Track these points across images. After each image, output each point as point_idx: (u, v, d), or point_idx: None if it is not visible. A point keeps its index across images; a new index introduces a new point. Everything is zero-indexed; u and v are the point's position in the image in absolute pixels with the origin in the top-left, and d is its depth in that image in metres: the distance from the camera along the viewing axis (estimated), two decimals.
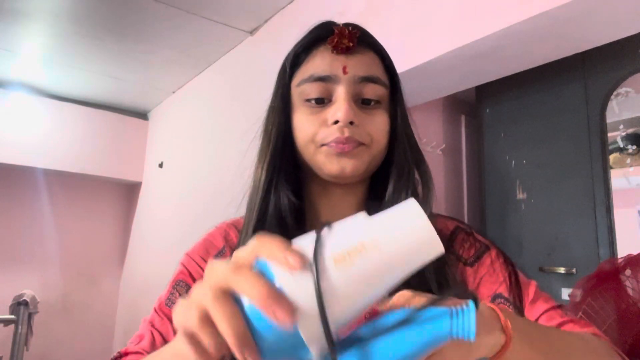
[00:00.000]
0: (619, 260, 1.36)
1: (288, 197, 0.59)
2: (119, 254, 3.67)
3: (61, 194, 3.49)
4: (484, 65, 1.51)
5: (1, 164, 3.03)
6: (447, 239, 0.63)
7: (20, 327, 2.65)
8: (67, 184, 3.50)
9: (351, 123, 0.56)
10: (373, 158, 0.59)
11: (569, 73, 2.09)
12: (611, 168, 1.96)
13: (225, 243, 0.64)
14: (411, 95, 1.74)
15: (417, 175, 0.62)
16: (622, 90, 1.98)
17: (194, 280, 0.61)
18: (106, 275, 3.62)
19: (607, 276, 1.32)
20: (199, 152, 2.74)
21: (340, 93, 0.57)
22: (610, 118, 1.99)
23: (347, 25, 0.60)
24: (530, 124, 2.23)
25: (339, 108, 0.56)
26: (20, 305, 2.69)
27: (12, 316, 2.68)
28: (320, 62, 0.59)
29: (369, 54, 0.60)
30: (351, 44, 0.58)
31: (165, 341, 0.56)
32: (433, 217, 0.64)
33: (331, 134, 0.57)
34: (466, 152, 2.81)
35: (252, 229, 0.58)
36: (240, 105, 2.32)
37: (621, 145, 1.98)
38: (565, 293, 1.97)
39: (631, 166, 1.95)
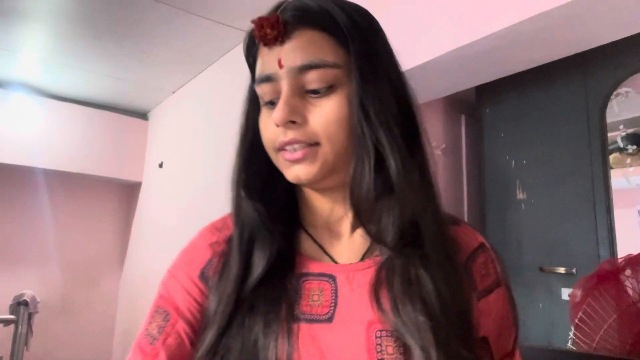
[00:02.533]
0: (619, 260, 1.36)
1: (253, 204, 0.55)
2: (119, 254, 3.67)
3: (61, 194, 3.49)
4: (484, 65, 1.51)
5: (1, 164, 3.03)
6: (468, 256, 0.56)
7: (20, 327, 2.65)
8: (67, 184, 3.50)
9: (293, 122, 0.50)
10: (333, 156, 0.50)
11: (569, 73, 2.09)
12: (611, 168, 1.96)
13: (212, 252, 0.58)
14: None
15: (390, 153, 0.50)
16: (622, 90, 1.98)
17: (174, 305, 0.55)
18: (106, 275, 3.62)
19: (607, 276, 1.32)
20: (199, 152, 2.74)
21: (283, 91, 0.50)
22: (610, 118, 1.99)
23: (272, 10, 0.53)
24: (530, 124, 2.23)
25: (277, 109, 0.50)
26: (20, 305, 2.69)
27: (12, 316, 2.68)
28: (260, 61, 0.53)
29: (307, 35, 0.50)
30: (276, 32, 0.50)
31: None
32: (455, 224, 0.59)
33: (277, 138, 0.51)
34: (466, 152, 2.81)
35: (240, 233, 0.55)
36: (240, 105, 2.32)
37: (621, 145, 1.98)
38: (565, 293, 1.97)
39: (631, 166, 1.95)
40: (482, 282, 0.56)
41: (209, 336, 0.50)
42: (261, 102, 0.55)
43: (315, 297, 0.52)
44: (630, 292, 1.27)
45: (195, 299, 0.55)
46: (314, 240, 0.57)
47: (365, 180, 0.50)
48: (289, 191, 0.59)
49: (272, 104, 0.52)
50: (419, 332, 0.46)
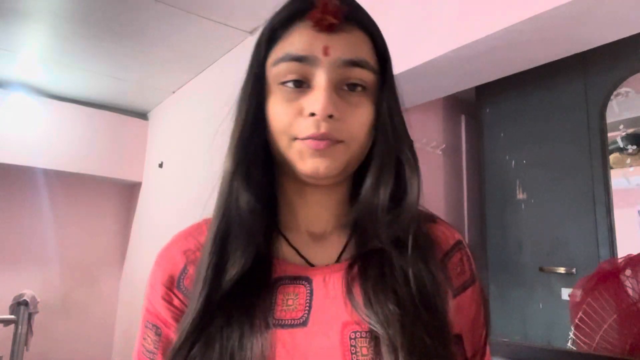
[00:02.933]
0: (619, 260, 1.36)
1: (248, 198, 0.52)
2: (119, 254, 3.67)
3: (61, 194, 3.49)
4: (484, 65, 1.51)
5: (1, 164, 3.03)
6: (445, 253, 0.57)
7: (20, 327, 2.65)
8: (67, 184, 3.50)
9: (330, 117, 0.49)
10: (351, 157, 0.52)
11: (569, 73, 2.09)
12: (611, 168, 1.96)
13: (186, 260, 0.57)
14: (411, 95, 1.75)
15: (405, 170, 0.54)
16: (622, 90, 1.98)
17: (161, 318, 0.56)
18: (106, 275, 3.62)
19: (607, 276, 1.32)
20: (199, 152, 2.75)
21: (320, 79, 0.49)
22: (610, 118, 1.99)
23: None
24: (530, 124, 2.24)
25: (317, 98, 0.48)
26: (20, 305, 2.69)
27: (12, 316, 2.68)
28: (298, 40, 0.50)
29: (356, 33, 0.52)
30: (335, 21, 0.49)
31: None
32: (433, 222, 0.59)
33: (306, 127, 0.49)
34: (466, 152, 2.81)
35: (217, 233, 0.53)
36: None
37: (621, 145, 1.98)
38: (565, 293, 1.97)
39: (631, 166, 1.95)
40: (457, 279, 0.56)
41: (180, 345, 0.49)
42: (274, 81, 0.52)
43: (290, 302, 0.52)
44: (630, 292, 1.27)
45: (177, 308, 0.55)
46: (289, 244, 0.56)
47: (388, 188, 0.52)
48: (270, 190, 0.57)
49: (295, 84, 0.50)
50: (387, 321, 0.47)
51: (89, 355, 3.40)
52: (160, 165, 3.21)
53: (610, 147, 1.99)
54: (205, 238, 0.55)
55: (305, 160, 0.50)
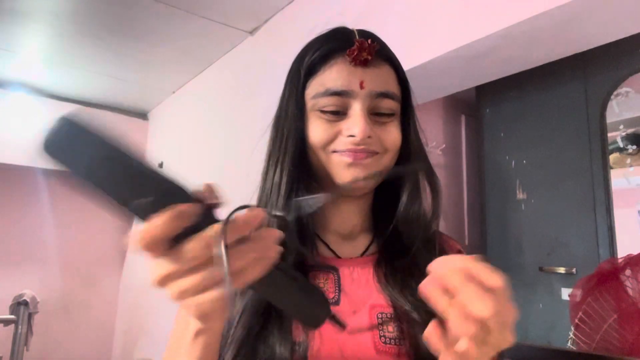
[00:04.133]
0: (619, 260, 1.36)
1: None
2: (119, 254, 3.67)
3: (61, 194, 3.49)
4: (484, 65, 1.51)
5: (1, 164, 3.03)
6: None
7: (20, 327, 2.66)
8: (67, 183, 3.50)
9: (368, 137, 0.57)
10: (384, 168, 0.60)
11: (569, 73, 2.09)
12: (611, 168, 1.96)
13: None
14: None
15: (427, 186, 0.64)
16: (622, 90, 1.98)
17: None
18: (106, 275, 3.62)
19: (607, 276, 1.32)
20: (199, 152, 2.75)
21: (356, 108, 0.58)
22: (610, 118, 1.99)
23: (365, 36, 0.60)
24: (530, 124, 2.23)
25: (356, 123, 0.57)
26: (20, 305, 2.69)
27: (12, 316, 2.68)
28: (337, 76, 0.58)
29: (384, 67, 0.60)
30: (370, 57, 0.58)
31: None
32: (438, 235, 0.67)
33: (345, 144, 0.57)
34: (466, 152, 2.81)
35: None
36: (240, 105, 2.32)
37: (621, 145, 1.98)
38: (565, 293, 1.97)
39: (631, 166, 1.95)
40: None
41: (240, 336, 0.54)
42: (313, 108, 0.60)
43: (321, 285, 0.60)
44: (630, 292, 1.27)
45: None
46: (322, 240, 0.65)
47: (420, 203, 0.62)
48: None
49: (333, 114, 0.58)
50: (418, 306, 0.55)
51: (89, 355, 3.40)
52: (160, 165, 3.21)
53: (610, 147, 1.99)
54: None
55: (344, 169, 0.58)
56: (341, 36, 0.61)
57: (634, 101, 1.96)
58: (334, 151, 0.58)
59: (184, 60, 2.68)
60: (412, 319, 0.55)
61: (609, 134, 1.99)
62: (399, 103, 0.61)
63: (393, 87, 0.61)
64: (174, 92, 3.21)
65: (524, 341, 2.05)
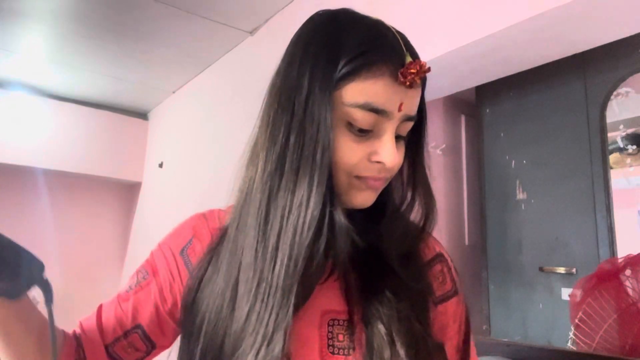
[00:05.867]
0: (619, 260, 1.36)
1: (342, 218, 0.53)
2: (119, 254, 3.67)
3: (61, 194, 3.49)
4: (484, 65, 1.51)
5: (1, 164, 3.03)
6: (425, 263, 0.62)
7: None
8: (67, 184, 3.50)
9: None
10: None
11: (569, 73, 2.09)
12: (611, 168, 1.96)
13: (194, 234, 0.65)
14: None
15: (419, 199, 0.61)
16: (622, 90, 1.98)
17: (154, 269, 0.65)
18: (106, 275, 3.62)
19: (607, 276, 1.32)
20: (199, 152, 2.75)
21: (389, 130, 0.52)
22: (610, 118, 1.99)
23: (415, 56, 0.55)
24: (530, 124, 2.23)
25: (387, 151, 0.52)
26: None
27: None
28: (382, 91, 0.51)
29: (419, 90, 0.56)
30: (419, 80, 0.53)
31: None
32: (426, 235, 0.64)
33: (369, 170, 0.53)
34: (466, 152, 2.81)
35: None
36: (240, 105, 2.32)
37: (621, 145, 1.98)
38: (565, 293, 1.97)
39: (631, 166, 1.95)
40: (439, 289, 0.61)
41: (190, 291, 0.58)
42: (342, 117, 0.52)
43: None
44: (630, 292, 1.27)
45: (171, 271, 0.63)
46: None
47: (410, 213, 0.61)
48: None
49: (362, 131, 0.52)
50: (384, 314, 0.53)
51: None
52: (160, 165, 3.21)
53: (610, 147, 1.99)
54: (222, 227, 0.62)
55: (359, 193, 0.55)
56: (392, 48, 0.53)
57: (634, 101, 1.96)
58: (357, 177, 0.53)
59: (184, 60, 2.68)
60: (374, 330, 0.52)
61: (609, 134, 1.99)
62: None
63: (418, 109, 0.57)
64: (174, 92, 3.21)
65: (524, 341, 2.05)
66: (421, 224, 0.60)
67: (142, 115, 3.65)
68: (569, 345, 1.34)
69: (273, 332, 0.48)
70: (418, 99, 0.55)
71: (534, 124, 2.22)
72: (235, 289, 0.53)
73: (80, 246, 3.54)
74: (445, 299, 0.61)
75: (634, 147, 1.95)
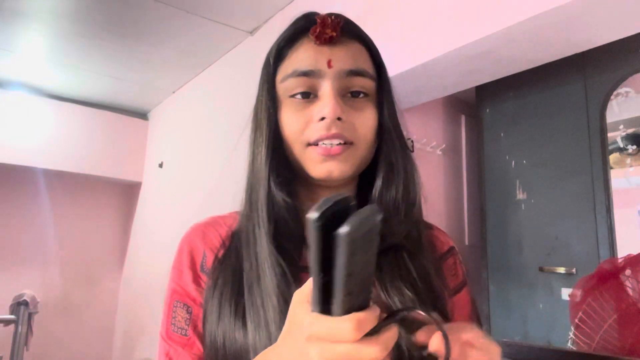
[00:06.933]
0: (619, 260, 1.36)
1: (283, 198, 0.56)
2: (119, 254, 3.67)
3: (61, 194, 3.49)
4: (484, 65, 1.51)
5: (1, 164, 3.03)
6: (439, 257, 0.63)
7: (20, 327, 2.65)
8: (67, 184, 3.50)
9: (339, 119, 0.54)
10: (361, 158, 0.57)
11: (569, 73, 2.09)
12: (611, 168, 1.96)
13: (205, 246, 0.62)
14: (411, 95, 1.74)
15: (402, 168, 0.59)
16: (622, 90, 1.98)
17: (191, 297, 0.60)
18: (106, 275, 3.62)
19: (607, 276, 1.32)
20: (199, 152, 2.75)
21: (326, 88, 0.55)
22: (610, 118, 1.99)
23: (329, 14, 0.57)
24: (530, 124, 2.23)
25: (326, 104, 0.54)
26: (20, 305, 2.69)
27: (12, 316, 2.67)
28: (303, 56, 0.56)
29: (354, 45, 0.58)
30: (334, 34, 0.55)
31: None
32: (430, 228, 0.65)
33: (317, 131, 0.54)
34: (466, 152, 2.81)
35: (267, 231, 0.55)
36: (240, 105, 2.32)
37: (621, 145, 1.98)
38: (565, 293, 1.97)
39: (631, 166, 1.95)
40: (452, 281, 0.62)
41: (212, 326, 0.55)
42: (284, 95, 0.57)
43: None
44: (630, 292, 1.27)
45: (202, 288, 0.60)
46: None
47: (399, 187, 0.58)
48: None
49: (303, 95, 0.55)
50: (405, 304, 0.53)
51: (89, 355, 3.40)
52: (160, 165, 3.21)
53: (610, 147, 1.99)
54: (230, 232, 0.61)
55: (318, 165, 0.55)
56: (305, 17, 0.59)
57: (634, 101, 1.96)
58: (308, 144, 0.55)
59: (184, 60, 2.68)
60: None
61: (609, 134, 1.99)
62: (374, 82, 0.58)
63: (365, 64, 0.57)
64: (174, 92, 3.21)
65: (524, 341, 2.05)
66: (400, 194, 0.58)
67: (142, 115, 3.65)
68: (569, 345, 1.34)
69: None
70: (356, 54, 0.57)
71: (534, 124, 2.22)
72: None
73: (80, 246, 3.54)
74: (457, 290, 0.62)
75: (634, 147, 1.95)
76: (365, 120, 0.56)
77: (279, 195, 0.56)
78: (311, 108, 0.55)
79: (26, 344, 2.66)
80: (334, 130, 0.54)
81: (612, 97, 1.99)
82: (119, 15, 2.20)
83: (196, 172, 2.73)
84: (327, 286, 0.33)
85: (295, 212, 0.57)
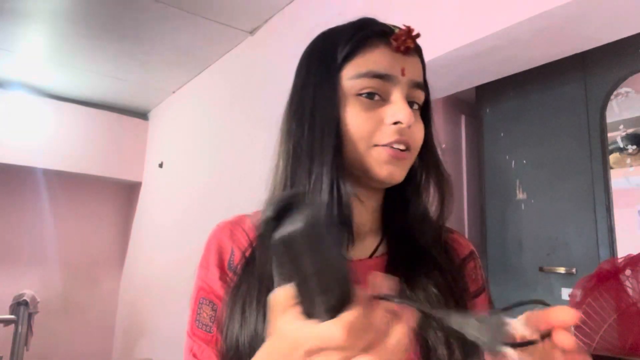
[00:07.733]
0: (619, 260, 1.36)
1: (351, 194, 0.56)
2: (119, 254, 3.67)
3: (61, 194, 3.49)
4: (484, 65, 1.51)
5: (1, 164, 3.03)
6: (461, 261, 0.64)
7: (20, 327, 2.65)
8: (67, 184, 3.50)
9: (409, 127, 0.56)
10: (410, 166, 0.59)
11: (569, 73, 2.09)
12: (611, 168, 1.96)
13: (233, 243, 0.62)
14: None
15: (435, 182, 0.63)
16: (622, 90, 1.98)
17: (217, 294, 0.60)
18: (106, 275, 3.62)
19: (607, 276, 1.32)
20: (199, 152, 2.75)
21: (398, 95, 0.56)
22: (610, 118, 1.99)
23: (408, 26, 0.59)
24: (530, 124, 2.23)
25: (401, 110, 0.55)
26: (20, 305, 2.69)
27: (12, 316, 2.67)
28: (380, 59, 0.56)
29: (418, 59, 0.61)
30: (412, 45, 0.58)
31: None
32: (451, 232, 0.66)
33: (390, 134, 0.55)
34: (466, 152, 2.81)
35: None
36: (240, 105, 2.32)
37: (621, 145, 1.98)
38: (565, 293, 1.97)
39: (631, 166, 1.95)
40: (472, 285, 0.63)
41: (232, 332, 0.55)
42: (350, 92, 0.56)
43: None
44: (630, 292, 1.27)
45: (228, 286, 0.60)
46: None
47: (425, 196, 0.61)
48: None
49: (369, 96, 0.56)
50: (431, 302, 0.54)
51: (89, 355, 3.40)
52: (160, 165, 3.21)
53: (610, 147, 1.99)
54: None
55: (382, 165, 0.56)
56: (377, 24, 0.61)
57: (634, 101, 1.96)
58: (376, 145, 0.55)
59: (184, 60, 2.68)
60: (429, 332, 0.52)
61: (609, 134, 1.99)
62: (425, 96, 0.62)
63: (422, 78, 0.61)
64: (174, 92, 3.21)
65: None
66: (438, 210, 0.61)
67: (142, 115, 3.65)
68: None
69: None
70: (419, 67, 0.60)
71: (534, 124, 2.22)
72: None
73: (80, 246, 3.54)
74: (476, 295, 0.63)
75: (634, 147, 1.95)
76: (420, 132, 0.59)
77: (347, 195, 0.55)
78: (380, 110, 0.56)
79: (26, 344, 2.66)
80: (405, 136, 0.56)
81: (612, 97, 1.99)
82: (119, 15, 2.20)
83: (196, 172, 2.73)
84: (300, 289, 0.32)
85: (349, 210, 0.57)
